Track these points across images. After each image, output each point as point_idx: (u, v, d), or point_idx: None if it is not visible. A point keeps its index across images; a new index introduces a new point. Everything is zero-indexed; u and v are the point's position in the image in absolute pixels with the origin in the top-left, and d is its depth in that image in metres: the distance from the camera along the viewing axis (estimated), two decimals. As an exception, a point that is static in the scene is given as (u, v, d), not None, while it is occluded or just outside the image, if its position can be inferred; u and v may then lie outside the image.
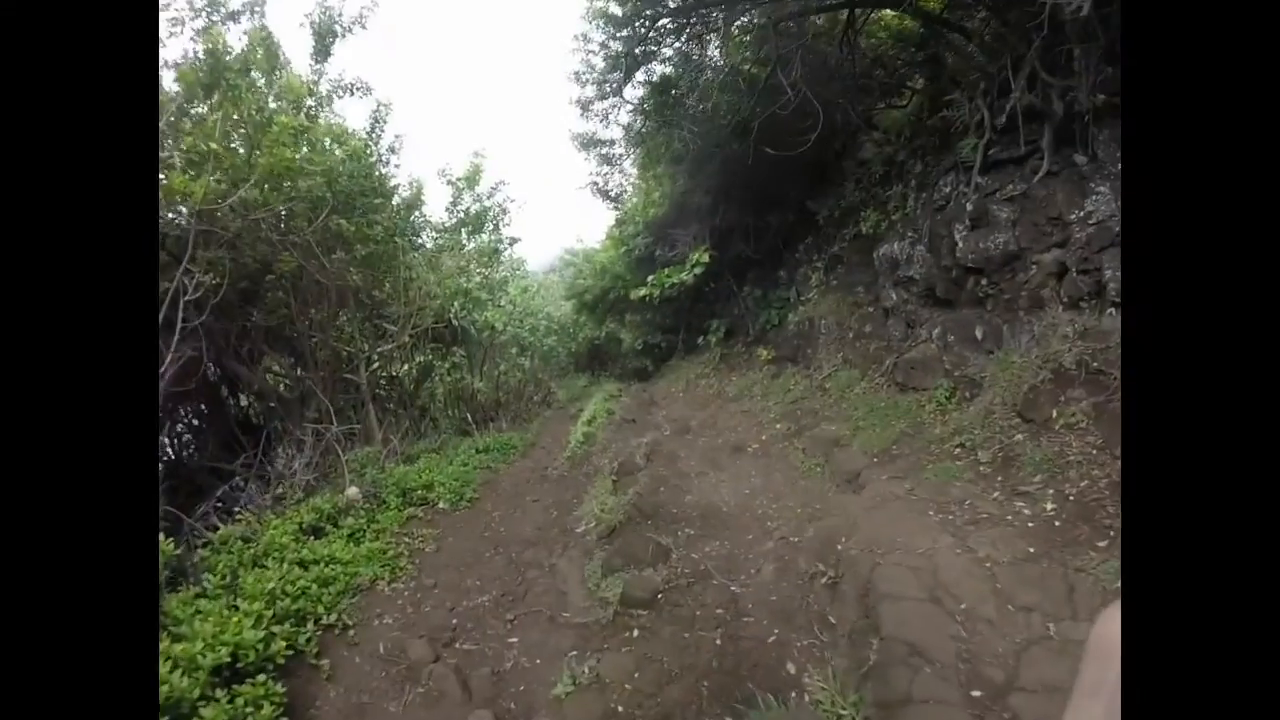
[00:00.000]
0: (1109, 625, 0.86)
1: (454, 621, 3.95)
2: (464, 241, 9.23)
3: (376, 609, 4.02)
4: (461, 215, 9.15)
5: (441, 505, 5.78)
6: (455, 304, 10.28)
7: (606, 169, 11.40)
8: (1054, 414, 4.92)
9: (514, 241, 9.89)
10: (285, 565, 3.96)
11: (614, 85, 8.22)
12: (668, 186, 9.99)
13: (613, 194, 10.95)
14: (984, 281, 6.21)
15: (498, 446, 8.20)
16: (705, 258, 9.08)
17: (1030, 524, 3.95)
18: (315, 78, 7.33)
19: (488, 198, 9.16)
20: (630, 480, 5.87)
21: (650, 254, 11.69)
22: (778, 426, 7.15)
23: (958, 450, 5.09)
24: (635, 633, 3.60)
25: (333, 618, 3.74)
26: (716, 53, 8.07)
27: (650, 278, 9.87)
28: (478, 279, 10.67)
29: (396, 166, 8.52)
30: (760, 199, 10.31)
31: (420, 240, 9.02)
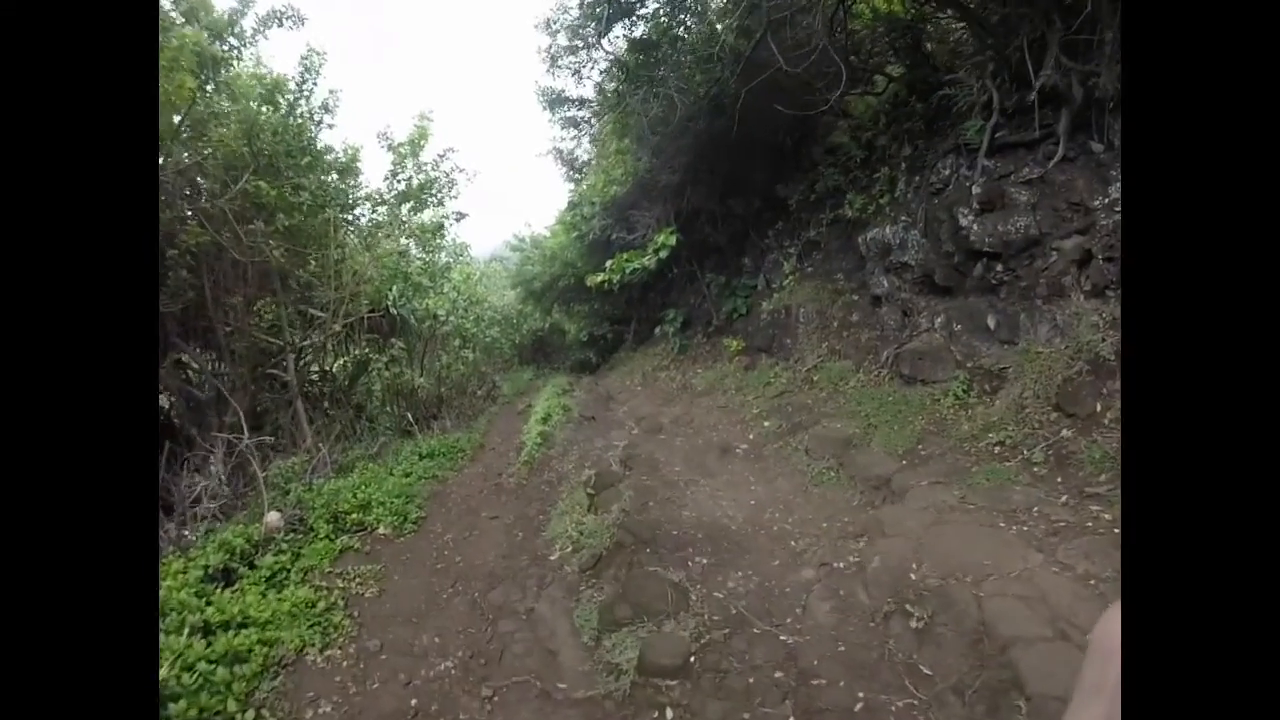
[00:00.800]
0: (1110, 625, 0.84)
1: (413, 703, 2.85)
2: (404, 217, 7.92)
3: (308, 692, 2.87)
4: (403, 187, 7.82)
5: (382, 530, 4.62)
6: (393, 290, 8.98)
7: (573, 133, 10.16)
8: (1098, 407, 4.30)
9: (460, 217, 8.62)
10: (184, 637, 2.77)
11: (591, 36, 7.13)
12: (630, 165, 8.97)
13: (576, 162, 9.78)
14: (998, 268, 5.54)
15: (444, 450, 7.03)
16: (672, 240, 8.15)
17: (1117, 530, 3.24)
18: (240, 6, 5.88)
19: (433, 167, 7.87)
20: (611, 494, 4.86)
21: (606, 238, 10.64)
22: (766, 424, 6.30)
23: (998, 449, 4.35)
24: (668, 713, 2.63)
25: (248, 717, 2.59)
26: (696, 19, 7.10)
27: (609, 262, 8.85)
28: (418, 263, 9.38)
29: (330, 127, 7.14)
30: (727, 182, 9.46)
31: (356, 215, 7.67)
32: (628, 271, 8.68)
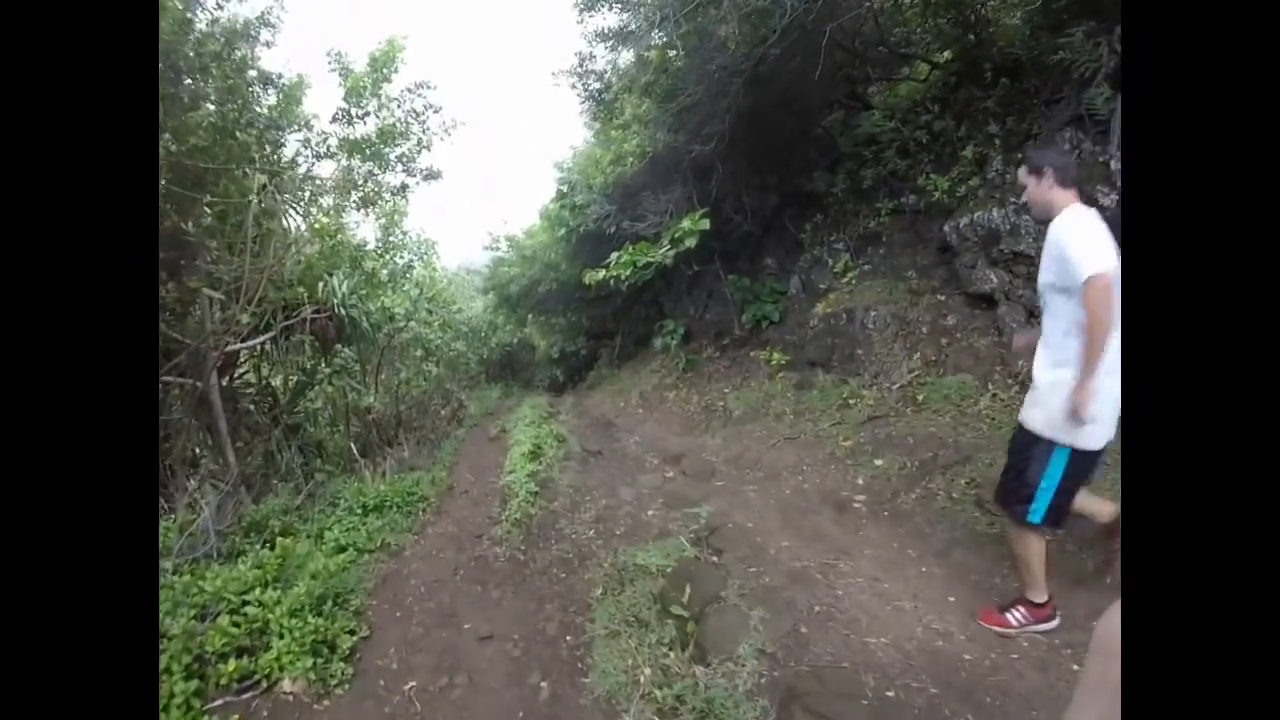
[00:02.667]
0: (1113, 623, 0.85)
1: None
2: (356, 173, 5.54)
3: None
4: (360, 133, 5.44)
5: (287, 687, 2.26)
6: (338, 281, 6.58)
7: (605, 52, 7.59)
8: None
9: (431, 177, 6.29)
10: None
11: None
12: (645, 138, 6.83)
13: (598, 93, 7.37)
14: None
15: (398, 498, 4.67)
16: (703, 225, 6.07)
17: None
18: None
19: (399, 105, 5.53)
20: (723, 618, 2.63)
21: (601, 231, 8.46)
22: (878, 462, 4.19)
23: None
24: None
25: None
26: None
27: (617, 254, 6.70)
28: (373, 250, 6.99)
29: (267, 46, 4.73)
30: (754, 168, 7.47)
31: (293, 165, 5.26)
32: (639, 266, 6.52)
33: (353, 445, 6.59)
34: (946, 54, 6.75)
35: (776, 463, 4.67)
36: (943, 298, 5.72)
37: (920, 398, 4.79)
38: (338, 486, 5.64)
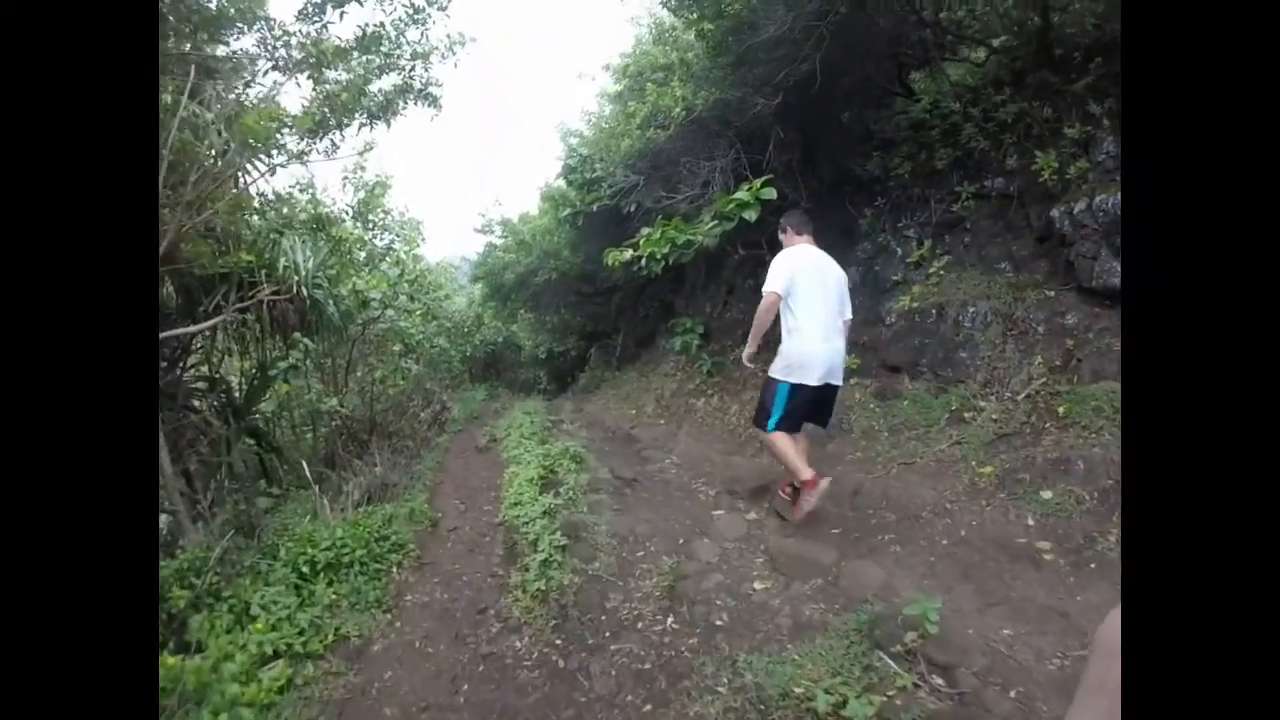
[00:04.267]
0: (1114, 624, 0.82)
1: None
2: (332, 84, 4.04)
3: None
4: (354, 33, 3.95)
5: None
6: (302, 250, 5.13)
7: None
8: None
9: (427, 99, 4.80)
10: None
11: None
12: (688, 94, 5.40)
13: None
14: None
15: (362, 549, 3.23)
16: (768, 194, 4.75)
17: None
18: None
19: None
20: None
21: (617, 210, 7.09)
22: (1044, 495, 2.90)
23: None
24: None
25: None
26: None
27: (648, 231, 5.34)
28: (348, 215, 5.51)
29: None
30: (811, 142, 6.18)
31: (235, 65, 3.77)
32: (678, 244, 5.16)
33: (305, 464, 5.09)
34: (1003, 38, 5.93)
35: (905, 498, 3.33)
36: (1051, 292, 4.50)
37: (1061, 410, 3.53)
38: (288, 515, 4.18)
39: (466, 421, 9.37)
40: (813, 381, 3.09)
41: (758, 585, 2.72)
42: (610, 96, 7.46)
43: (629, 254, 5.32)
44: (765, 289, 3.16)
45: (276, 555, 3.10)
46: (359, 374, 7.73)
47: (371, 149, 5.34)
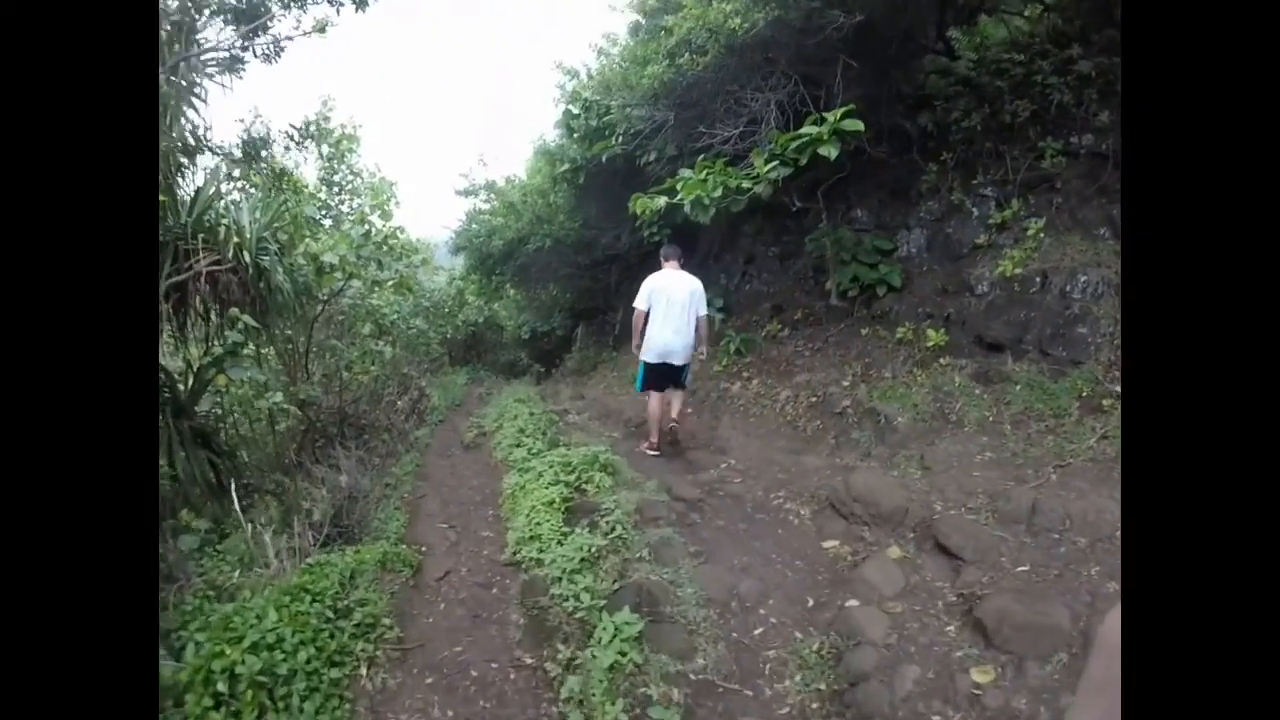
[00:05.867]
0: (1116, 621, 0.76)
1: None
2: None
3: None
4: None
5: None
6: (244, 209, 3.87)
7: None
8: None
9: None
10: None
11: None
12: (738, 4, 4.11)
13: None
14: None
15: (308, 643, 2.02)
16: (855, 124, 3.58)
17: None
18: None
19: None
20: None
21: (628, 161, 5.85)
22: None
23: None
24: None
25: None
26: None
27: (686, 174, 4.12)
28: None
29: None
30: (870, 81, 5.00)
31: None
32: (733, 188, 3.96)
33: (262, 471, 3.85)
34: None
35: (1091, 515, 2.25)
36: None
37: None
38: (224, 558, 2.98)
39: (448, 410, 8.16)
40: (649, 359, 4.14)
41: (976, 676, 1.63)
42: (630, 28, 6.10)
43: (662, 201, 4.10)
44: (635, 303, 4.18)
45: (182, 654, 1.90)
46: (328, 359, 6.43)
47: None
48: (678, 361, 4.15)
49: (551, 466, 3.39)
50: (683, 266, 4.24)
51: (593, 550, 2.45)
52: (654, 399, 4.25)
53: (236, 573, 2.78)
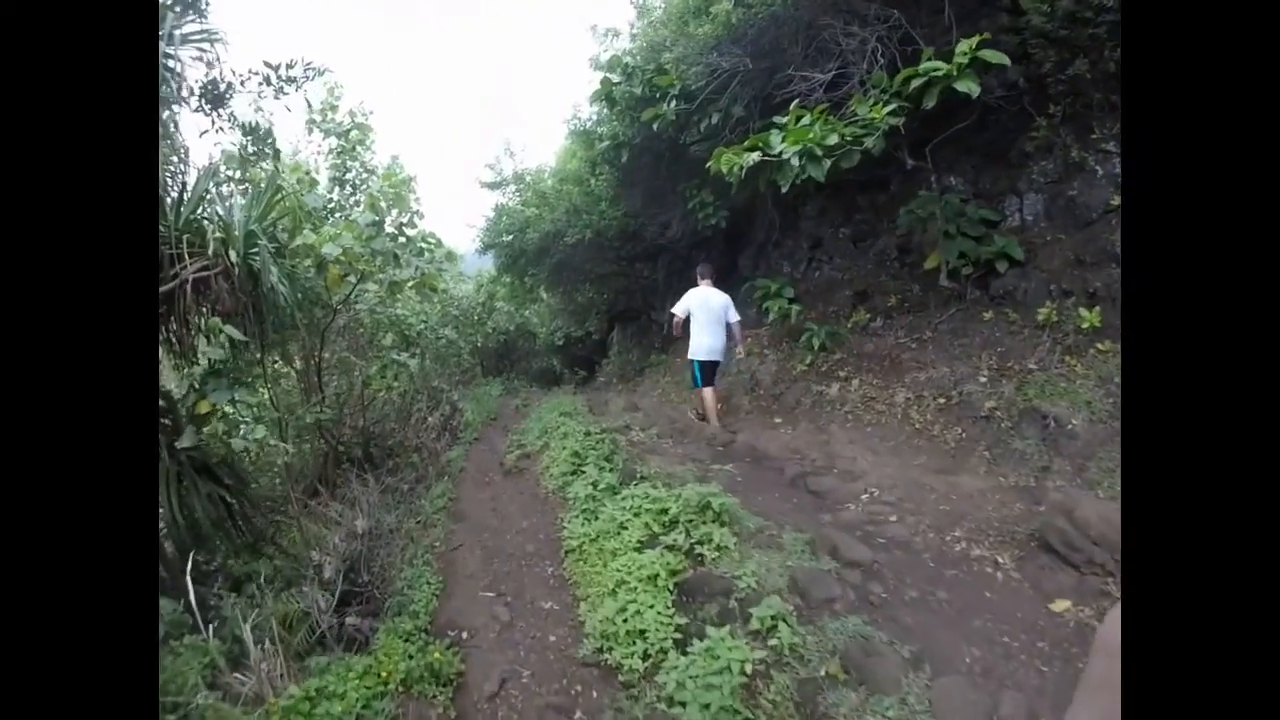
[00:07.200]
0: (1115, 623, 0.77)
1: None
2: None
3: None
4: None
5: None
6: (234, 205, 2.93)
7: None
8: None
9: None
10: None
11: None
12: None
13: None
14: None
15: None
16: (999, 56, 2.60)
17: None
18: None
19: None
20: None
21: (679, 131, 4.86)
22: None
23: None
24: None
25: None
26: None
27: (785, 122, 3.13)
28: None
29: None
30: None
31: None
32: (848, 139, 2.94)
33: (199, 578, 2.92)
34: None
35: None
36: None
37: None
38: (170, 677, 2.03)
39: (483, 425, 7.24)
40: (698, 357, 4.87)
41: None
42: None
43: (754, 156, 3.08)
44: (674, 310, 4.97)
45: None
46: (351, 374, 5.55)
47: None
48: (720, 358, 4.97)
49: (638, 514, 2.40)
50: (715, 284, 4.96)
51: (745, 668, 1.45)
52: (709, 392, 4.91)
53: (200, 694, 1.85)
